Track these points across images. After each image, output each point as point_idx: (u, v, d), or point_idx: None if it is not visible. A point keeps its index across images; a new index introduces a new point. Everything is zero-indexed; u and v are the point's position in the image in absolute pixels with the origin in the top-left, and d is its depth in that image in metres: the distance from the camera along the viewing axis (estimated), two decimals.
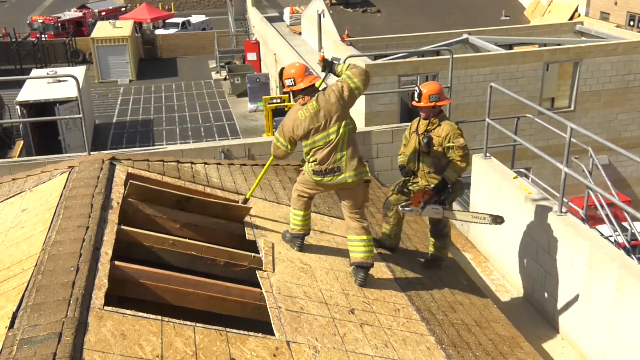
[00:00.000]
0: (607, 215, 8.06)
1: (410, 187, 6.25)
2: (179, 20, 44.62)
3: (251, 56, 30.45)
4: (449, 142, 5.91)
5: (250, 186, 6.85)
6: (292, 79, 5.33)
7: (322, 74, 5.67)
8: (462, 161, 5.91)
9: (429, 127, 6.02)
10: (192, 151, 8.10)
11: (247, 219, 5.86)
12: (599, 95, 18.32)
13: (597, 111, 18.46)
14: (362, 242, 5.42)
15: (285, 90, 5.51)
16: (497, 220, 6.17)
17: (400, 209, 6.16)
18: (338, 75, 5.50)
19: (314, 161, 5.36)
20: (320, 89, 5.47)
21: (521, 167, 10.73)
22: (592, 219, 10.28)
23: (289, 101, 22.78)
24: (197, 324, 3.93)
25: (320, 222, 6.47)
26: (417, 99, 6.02)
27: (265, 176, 7.32)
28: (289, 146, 5.48)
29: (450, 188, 6.02)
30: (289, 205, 5.88)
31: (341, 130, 5.25)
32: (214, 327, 3.98)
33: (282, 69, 5.48)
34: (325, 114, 5.23)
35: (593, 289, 5.85)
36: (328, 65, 5.57)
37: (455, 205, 6.73)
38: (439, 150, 5.96)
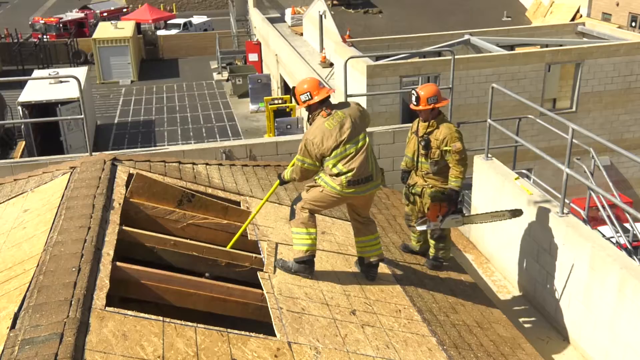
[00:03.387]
0: (608, 217, 8.04)
1: (412, 191, 6.28)
2: (181, 21, 44.68)
3: (253, 57, 30.51)
4: (445, 145, 5.92)
5: (251, 187, 6.85)
6: (307, 93, 5.13)
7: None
8: (458, 164, 5.92)
9: (428, 130, 6.03)
10: (194, 152, 8.10)
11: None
12: (600, 96, 18.31)
13: (598, 112, 18.44)
14: (375, 240, 5.52)
15: (300, 107, 5.26)
16: (517, 213, 6.31)
17: (418, 227, 6.17)
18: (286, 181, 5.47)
19: (348, 171, 5.06)
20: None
21: (523, 168, 10.72)
22: (593, 220, 10.26)
23: (291, 102, 22.83)
24: (199, 325, 3.93)
25: (322, 223, 6.46)
26: (415, 103, 6.03)
27: (267, 177, 7.32)
28: (317, 164, 5.16)
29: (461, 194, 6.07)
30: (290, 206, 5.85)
31: (367, 138, 5.23)
32: (216, 327, 3.98)
33: (294, 87, 5.25)
34: (352, 121, 5.12)
35: (595, 290, 5.84)
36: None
37: None
38: (437, 152, 5.97)
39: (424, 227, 6.16)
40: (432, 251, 6.43)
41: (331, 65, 21.82)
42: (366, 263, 5.53)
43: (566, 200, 6.48)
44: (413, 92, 6.03)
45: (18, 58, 34.27)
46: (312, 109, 5.20)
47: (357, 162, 5.07)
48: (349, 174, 5.06)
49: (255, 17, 31.90)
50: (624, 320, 5.48)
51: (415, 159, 6.15)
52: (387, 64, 17.18)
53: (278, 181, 5.55)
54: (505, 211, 6.36)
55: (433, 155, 6.00)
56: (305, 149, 5.10)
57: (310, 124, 5.21)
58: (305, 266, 5.15)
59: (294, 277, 5.09)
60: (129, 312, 3.83)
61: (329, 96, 5.19)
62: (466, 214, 6.17)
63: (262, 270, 5.02)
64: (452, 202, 6.00)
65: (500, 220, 6.47)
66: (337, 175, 5.08)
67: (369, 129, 9.23)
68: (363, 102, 16.78)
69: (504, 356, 5.17)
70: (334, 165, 5.08)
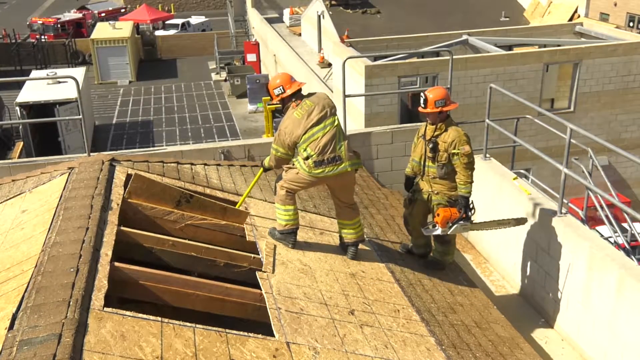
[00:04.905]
0: (607, 216, 8.06)
1: (416, 196, 6.27)
2: (179, 21, 44.64)
3: (251, 57, 30.48)
4: (454, 148, 5.87)
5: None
6: (280, 87, 5.59)
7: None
8: (466, 168, 5.86)
9: (435, 133, 6.01)
10: (192, 152, 8.09)
11: (247, 220, 5.86)
12: (598, 96, 18.33)
13: (596, 112, 18.46)
14: (355, 223, 5.81)
15: (274, 101, 5.71)
16: (521, 221, 6.41)
17: (425, 232, 6.14)
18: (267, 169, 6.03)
19: (314, 153, 5.43)
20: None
21: (521, 168, 10.73)
22: (592, 220, 10.28)
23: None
24: (197, 325, 3.93)
25: (321, 223, 6.46)
26: (423, 105, 6.01)
27: (265, 177, 7.31)
28: (290, 152, 5.63)
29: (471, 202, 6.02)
30: None
31: (336, 122, 5.55)
32: (214, 328, 3.98)
33: (267, 83, 5.79)
34: (320, 108, 5.49)
35: (593, 290, 5.85)
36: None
37: None
38: (444, 156, 5.93)
39: (431, 233, 6.12)
40: (434, 254, 6.42)
41: (329, 65, 21.82)
42: (344, 243, 5.85)
43: (564, 200, 6.49)
44: (422, 94, 6.02)
45: (16, 58, 34.19)
46: (285, 102, 5.64)
47: (321, 142, 5.45)
48: (314, 155, 5.45)
49: (254, 17, 31.90)
50: (623, 320, 5.48)
51: (422, 162, 6.12)
52: (385, 64, 17.18)
53: (262, 169, 6.06)
54: (510, 219, 6.43)
55: (440, 159, 5.96)
56: (279, 138, 5.59)
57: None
58: (286, 236, 5.60)
59: (293, 277, 5.09)
60: (127, 313, 3.82)
61: (300, 89, 5.60)
62: (473, 220, 6.14)
63: (260, 271, 5.01)
64: (465, 210, 5.95)
65: (504, 228, 6.49)
66: (307, 158, 5.48)
67: (367, 130, 9.28)
68: (361, 102, 16.79)
69: (503, 356, 5.17)
70: (304, 150, 5.50)
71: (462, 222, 5.94)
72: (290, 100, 5.59)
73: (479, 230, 6.71)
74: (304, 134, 5.43)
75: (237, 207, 6.03)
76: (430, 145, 5.97)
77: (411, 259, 6.42)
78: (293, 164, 5.68)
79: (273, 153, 5.71)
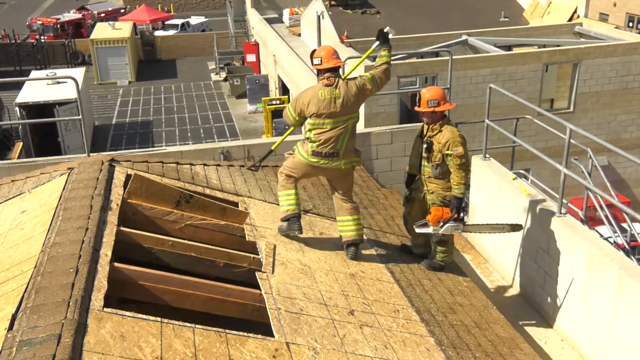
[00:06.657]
0: (606, 217, 8.07)
1: (413, 195, 6.27)
2: (179, 21, 44.60)
3: (250, 57, 30.46)
4: (447, 149, 5.87)
5: (249, 188, 6.85)
6: (319, 59, 5.68)
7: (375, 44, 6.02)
8: (460, 169, 5.84)
9: (429, 133, 6.01)
10: (192, 152, 8.09)
11: (247, 220, 5.86)
12: (598, 96, 18.34)
13: (596, 112, 18.48)
14: (354, 221, 5.88)
15: (313, 68, 5.82)
16: (516, 228, 6.38)
17: (417, 229, 6.14)
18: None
19: (315, 141, 5.59)
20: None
21: (520, 168, 10.73)
22: (591, 220, 10.29)
23: (288, 102, 22.86)
24: (197, 326, 3.93)
25: (321, 224, 6.47)
26: (417, 104, 6.03)
27: (265, 177, 7.32)
28: (297, 118, 5.73)
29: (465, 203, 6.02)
30: None
31: (349, 121, 5.64)
32: (214, 328, 3.98)
33: (314, 50, 5.86)
34: (342, 102, 5.57)
35: (592, 290, 5.85)
36: (383, 38, 5.93)
37: None
38: (438, 156, 5.93)
39: (422, 231, 6.13)
40: (433, 253, 6.42)
41: None
42: (343, 242, 5.90)
43: (564, 201, 6.50)
44: (419, 92, 6.05)
45: (15, 59, 34.15)
46: (320, 74, 5.72)
47: (326, 135, 5.59)
48: (314, 144, 5.61)
49: (253, 17, 31.89)
50: (622, 320, 5.49)
51: (419, 162, 6.13)
52: None
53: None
54: (505, 224, 6.41)
55: (434, 159, 5.95)
56: (295, 102, 5.71)
57: None
58: (290, 225, 5.71)
59: (293, 277, 5.09)
60: (127, 313, 3.82)
61: (337, 67, 5.68)
62: (467, 222, 6.13)
63: (260, 271, 5.01)
64: (457, 211, 5.95)
65: (498, 233, 6.47)
66: (307, 139, 5.68)
67: (366, 130, 9.27)
68: None
69: (502, 356, 5.17)
70: (309, 130, 5.66)
71: (453, 222, 5.94)
72: (324, 74, 5.64)
73: (473, 233, 6.68)
74: (316, 116, 5.54)
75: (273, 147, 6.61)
76: (425, 145, 5.98)
77: (411, 259, 6.42)
78: (293, 150, 5.86)
79: (286, 110, 5.86)
